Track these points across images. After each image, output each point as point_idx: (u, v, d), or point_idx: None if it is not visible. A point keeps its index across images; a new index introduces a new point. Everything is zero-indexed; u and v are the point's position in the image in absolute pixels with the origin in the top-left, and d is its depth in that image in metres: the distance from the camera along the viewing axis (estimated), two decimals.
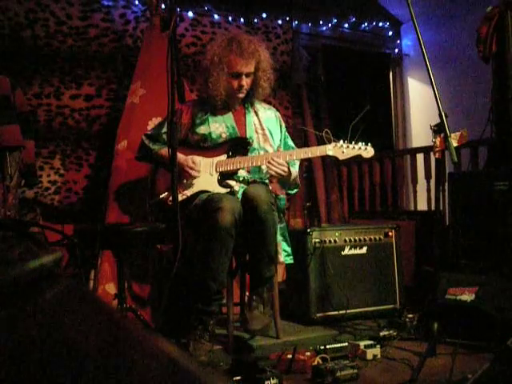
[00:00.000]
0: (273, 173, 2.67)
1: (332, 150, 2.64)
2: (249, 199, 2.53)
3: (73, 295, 0.46)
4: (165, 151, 2.73)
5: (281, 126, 2.98)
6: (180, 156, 2.69)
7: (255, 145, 2.84)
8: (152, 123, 3.52)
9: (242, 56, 2.69)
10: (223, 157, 2.76)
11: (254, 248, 2.62)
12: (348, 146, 2.64)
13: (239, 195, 2.69)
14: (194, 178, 2.73)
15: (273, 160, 2.63)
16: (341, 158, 2.67)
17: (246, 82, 2.74)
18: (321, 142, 2.72)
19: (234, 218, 2.45)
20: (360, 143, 2.66)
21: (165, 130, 2.84)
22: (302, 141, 4.79)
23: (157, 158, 2.83)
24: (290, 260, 2.85)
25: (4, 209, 2.89)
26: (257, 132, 2.87)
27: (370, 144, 2.68)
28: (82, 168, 3.81)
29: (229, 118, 2.85)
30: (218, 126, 2.82)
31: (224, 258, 2.49)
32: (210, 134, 2.80)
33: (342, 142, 2.65)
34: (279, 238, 2.77)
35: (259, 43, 2.81)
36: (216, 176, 2.74)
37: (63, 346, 0.38)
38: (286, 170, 2.66)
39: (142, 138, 2.92)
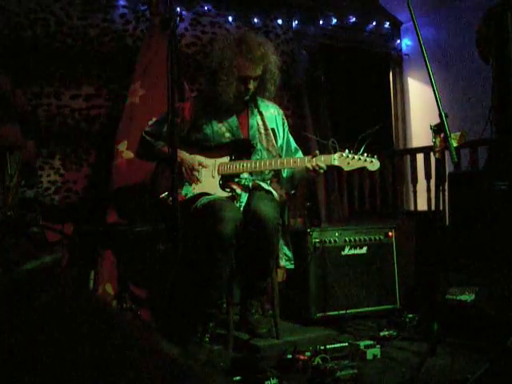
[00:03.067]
0: (313, 174, 2.66)
1: (338, 159, 2.60)
2: (257, 217, 2.51)
3: (73, 295, 0.46)
4: (167, 148, 2.70)
5: (283, 124, 2.94)
6: (186, 155, 2.69)
7: (258, 145, 2.82)
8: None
9: (251, 60, 2.65)
10: (226, 159, 2.75)
11: (254, 262, 2.64)
12: (353, 157, 2.60)
13: (242, 199, 2.68)
14: (196, 179, 2.71)
15: (318, 165, 2.60)
16: (346, 169, 2.63)
17: (253, 85, 2.71)
18: (321, 145, 2.70)
19: (236, 228, 2.45)
20: (365, 154, 2.62)
21: (165, 128, 2.81)
22: (301, 142, 4.78)
23: (159, 154, 2.78)
24: (290, 265, 2.85)
25: (4, 209, 2.89)
26: (260, 132, 2.84)
27: (375, 156, 2.65)
28: (82, 168, 3.81)
29: (232, 118, 2.81)
30: (221, 126, 2.78)
31: (225, 267, 2.50)
32: (212, 133, 2.77)
33: (347, 151, 2.61)
34: (281, 241, 2.77)
35: (268, 45, 2.76)
36: (218, 178, 2.72)
37: (63, 345, 0.38)
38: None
39: (142, 135, 2.86)
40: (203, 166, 2.71)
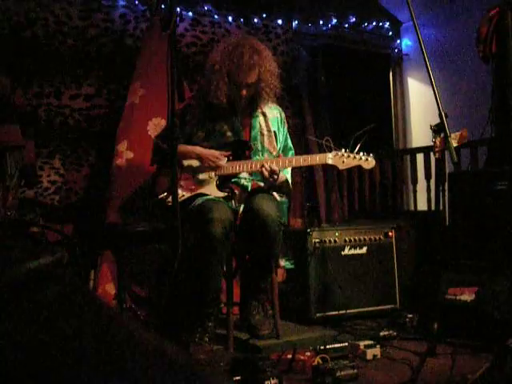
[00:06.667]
0: (266, 176, 2.67)
1: (332, 158, 2.60)
2: (260, 217, 2.51)
3: (73, 295, 0.46)
4: (182, 146, 2.72)
5: (283, 127, 2.95)
6: (199, 148, 2.70)
7: (259, 146, 2.81)
8: (152, 123, 3.52)
9: (240, 68, 2.62)
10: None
11: (256, 261, 2.65)
12: (349, 156, 2.60)
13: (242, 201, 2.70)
14: (217, 166, 2.70)
15: (267, 165, 2.61)
16: (341, 167, 2.63)
17: (246, 91, 2.69)
18: (321, 145, 2.70)
19: (225, 228, 2.46)
20: (361, 153, 2.62)
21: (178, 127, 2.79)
22: (301, 142, 4.79)
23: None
24: (290, 265, 2.87)
25: (4, 209, 2.89)
26: (262, 133, 2.83)
27: (371, 155, 2.65)
28: (82, 168, 3.81)
29: (234, 117, 2.81)
30: (223, 125, 2.79)
31: (217, 267, 2.52)
32: (215, 131, 2.77)
33: (343, 150, 2.60)
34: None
35: (265, 53, 2.71)
36: (215, 179, 2.73)
37: (63, 345, 0.38)
38: (275, 178, 2.63)
39: (154, 141, 2.85)
40: (218, 156, 2.70)
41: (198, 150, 2.72)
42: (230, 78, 2.66)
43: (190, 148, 2.74)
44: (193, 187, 2.74)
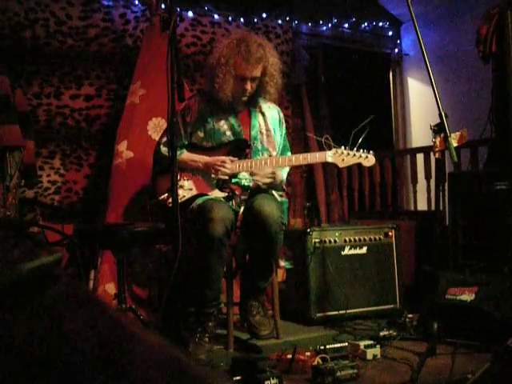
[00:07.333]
0: (259, 183, 2.67)
1: (332, 156, 2.60)
2: (261, 216, 2.51)
3: (73, 295, 0.46)
4: (186, 155, 2.72)
5: (282, 127, 2.96)
6: (205, 157, 2.70)
7: (259, 146, 2.81)
8: (152, 123, 3.52)
9: (248, 61, 2.63)
10: None
11: (257, 261, 2.65)
12: (348, 154, 2.60)
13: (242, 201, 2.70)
14: (226, 173, 2.68)
15: (258, 171, 2.62)
16: (341, 165, 2.63)
17: (250, 86, 2.69)
18: (322, 145, 2.70)
19: (226, 228, 2.45)
20: (361, 151, 2.62)
21: (181, 131, 2.79)
22: (301, 142, 4.79)
23: (179, 165, 2.76)
24: (289, 265, 2.87)
25: (4, 209, 2.88)
26: (261, 133, 2.84)
27: (371, 152, 2.65)
28: (82, 168, 3.81)
29: (234, 117, 2.82)
30: (223, 124, 2.79)
31: (218, 267, 2.51)
32: (214, 131, 2.77)
33: (342, 148, 2.60)
34: None
35: (269, 48, 2.74)
36: (215, 179, 2.73)
37: (63, 345, 0.38)
38: (268, 181, 2.66)
39: (158, 149, 2.81)
40: (224, 161, 2.67)
41: (205, 158, 2.71)
42: (236, 72, 2.66)
43: (196, 157, 2.73)
44: (193, 187, 2.74)
